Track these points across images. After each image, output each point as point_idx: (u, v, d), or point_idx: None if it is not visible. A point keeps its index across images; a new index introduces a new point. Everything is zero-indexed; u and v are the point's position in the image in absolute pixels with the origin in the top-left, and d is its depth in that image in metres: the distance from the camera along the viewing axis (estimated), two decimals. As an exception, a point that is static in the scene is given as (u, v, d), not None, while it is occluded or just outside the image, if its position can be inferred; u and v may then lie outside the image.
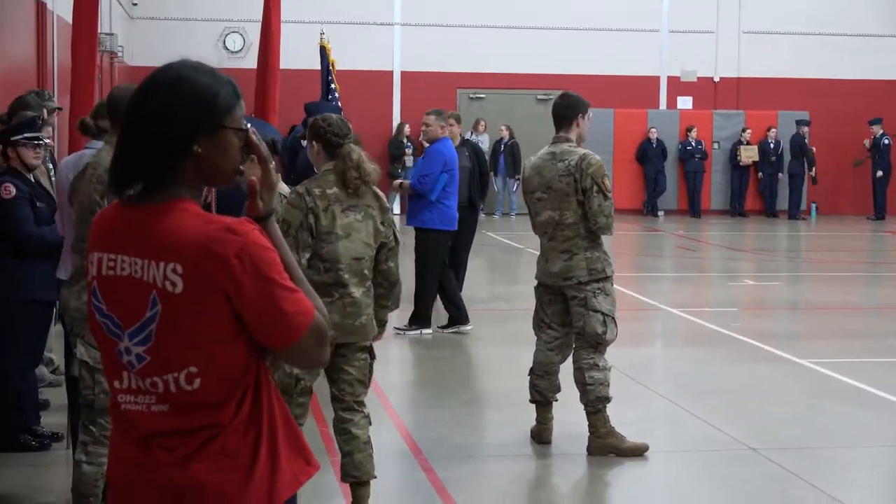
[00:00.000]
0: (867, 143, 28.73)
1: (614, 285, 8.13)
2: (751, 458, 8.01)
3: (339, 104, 11.31)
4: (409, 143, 27.50)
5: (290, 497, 3.15)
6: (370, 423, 6.52)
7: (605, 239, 8.00)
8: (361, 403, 6.41)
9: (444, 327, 12.81)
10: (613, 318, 7.99)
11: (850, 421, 9.14)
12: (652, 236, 25.29)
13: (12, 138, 7.66)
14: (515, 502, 7.25)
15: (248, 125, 3.15)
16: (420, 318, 12.67)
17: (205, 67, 3.09)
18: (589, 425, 8.00)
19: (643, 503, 7.25)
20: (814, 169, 28.89)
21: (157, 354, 2.99)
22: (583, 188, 7.85)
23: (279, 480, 3.08)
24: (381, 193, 6.43)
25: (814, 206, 29.60)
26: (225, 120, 3.06)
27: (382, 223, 6.37)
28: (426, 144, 12.71)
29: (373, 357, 6.50)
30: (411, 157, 26.91)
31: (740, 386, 10.35)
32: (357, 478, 6.36)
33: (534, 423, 8.32)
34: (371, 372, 6.50)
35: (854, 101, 29.69)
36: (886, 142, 28.57)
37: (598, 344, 7.97)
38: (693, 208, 29.26)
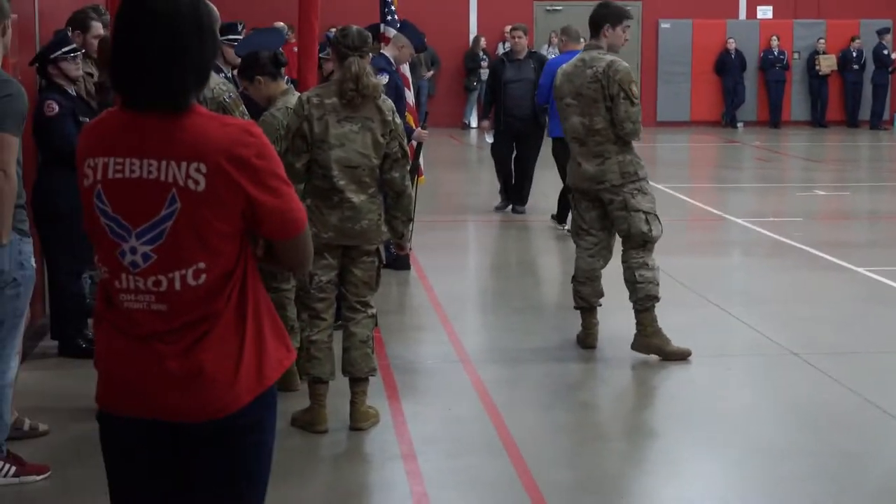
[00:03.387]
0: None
1: (650, 184, 8.25)
2: (792, 363, 8.12)
3: (396, 17, 11.28)
4: (484, 57, 27.46)
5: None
6: (376, 324, 6.79)
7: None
8: (366, 304, 6.66)
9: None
10: (655, 214, 8.11)
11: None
12: (729, 148, 25.11)
13: (52, 56, 7.87)
14: (553, 401, 7.38)
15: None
16: None
17: None
18: (637, 323, 8.13)
19: (681, 405, 7.37)
20: None
21: (166, 252, 3.20)
22: (610, 95, 7.93)
23: (266, 364, 3.33)
24: (385, 107, 6.56)
25: (897, 116, 29.23)
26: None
27: (383, 135, 6.53)
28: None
29: (381, 262, 6.71)
30: (486, 71, 26.88)
31: (791, 293, 10.43)
32: (351, 373, 6.66)
33: (579, 328, 8.51)
34: (378, 275, 6.72)
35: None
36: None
37: (645, 242, 8.09)
38: (773, 119, 29.00)
